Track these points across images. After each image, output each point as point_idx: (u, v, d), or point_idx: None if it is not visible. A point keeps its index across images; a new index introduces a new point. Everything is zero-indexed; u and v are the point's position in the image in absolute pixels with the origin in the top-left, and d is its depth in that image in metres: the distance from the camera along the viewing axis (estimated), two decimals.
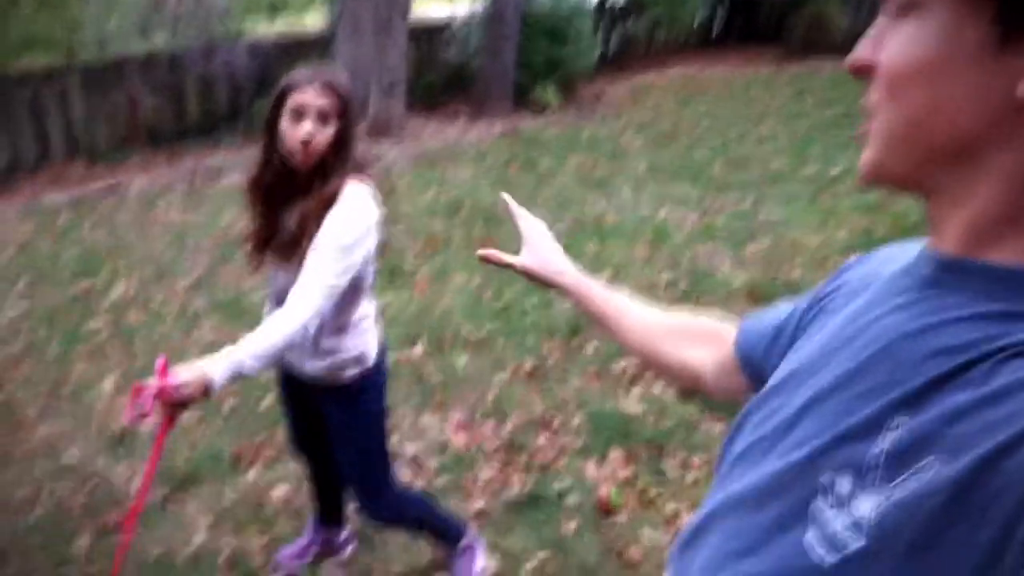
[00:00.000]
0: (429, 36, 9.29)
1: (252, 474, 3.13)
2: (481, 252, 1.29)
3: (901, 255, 0.72)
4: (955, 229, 0.62)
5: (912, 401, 0.58)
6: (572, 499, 2.95)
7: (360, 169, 2.02)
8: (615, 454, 3.17)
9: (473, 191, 6.49)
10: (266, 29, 9.09)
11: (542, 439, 3.31)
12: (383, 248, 2.11)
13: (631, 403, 3.51)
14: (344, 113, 1.97)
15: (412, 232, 5.68)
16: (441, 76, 9.14)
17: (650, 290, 4.67)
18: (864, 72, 0.64)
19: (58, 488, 3.12)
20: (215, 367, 1.71)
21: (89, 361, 4.01)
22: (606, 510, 2.88)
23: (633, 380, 3.67)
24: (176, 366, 1.68)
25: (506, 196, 1.37)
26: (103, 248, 5.58)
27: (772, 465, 0.68)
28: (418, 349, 4.07)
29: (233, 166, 7.27)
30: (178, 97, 8.19)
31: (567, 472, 3.10)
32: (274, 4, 9.35)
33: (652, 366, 1.17)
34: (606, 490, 2.97)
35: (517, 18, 8.63)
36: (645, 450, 3.18)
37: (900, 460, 0.56)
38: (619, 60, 10.90)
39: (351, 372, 2.18)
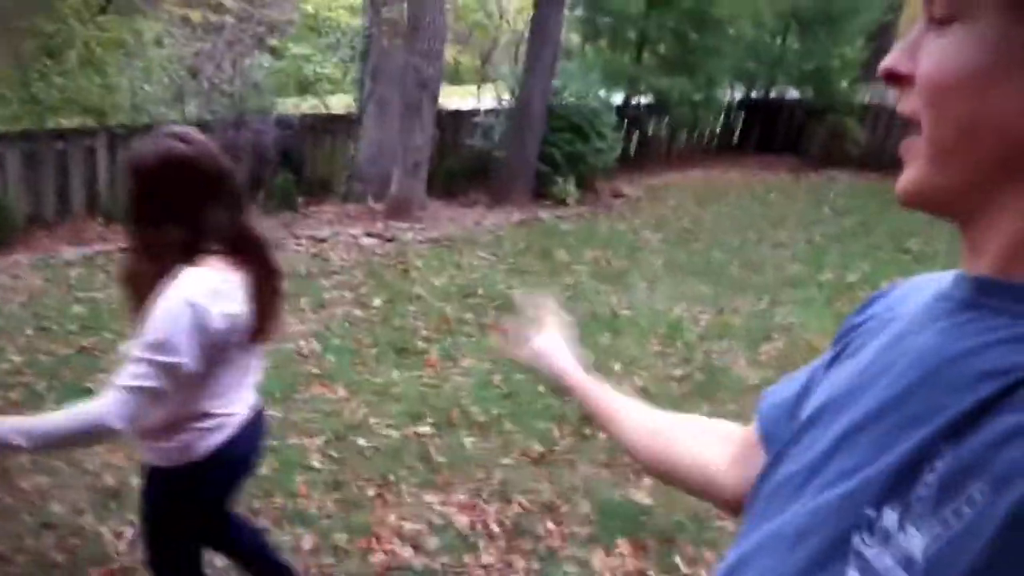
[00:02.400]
0: (454, 123, 9.46)
1: None
2: (495, 333, 1.26)
3: (933, 283, 0.70)
4: (994, 250, 0.59)
5: (957, 428, 0.54)
6: None
7: (195, 250, 1.79)
8: (623, 545, 3.04)
9: (488, 277, 6.49)
10: (296, 106, 9.28)
11: (548, 525, 3.19)
12: (227, 340, 1.81)
13: (641, 494, 3.39)
14: (137, 194, 1.80)
15: (424, 313, 5.65)
16: (463, 163, 9.25)
17: (663, 383, 4.60)
18: (897, 80, 0.62)
19: (41, 542, 3.01)
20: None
21: None
22: None
23: (643, 471, 3.55)
24: None
25: (536, 295, 1.36)
26: (111, 306, 5.55)
27: (809, 501, 0.64)
28: (426, 426, 3.98)
29: None
30: None
31: (573, 560, 2.97)
32: (304, 83, 9.57)
33: (659, 469, 1.10)
34: None
35: (542, 112, 8.80)
36: (655, 542, 3.06)
37: (948, 490, 0.52)
38: (640, 159, 11.05)
39: (172, 459, 1.94)
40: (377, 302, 5.84)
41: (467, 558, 2.97)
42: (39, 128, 7.31)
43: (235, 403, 1.97)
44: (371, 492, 3.39)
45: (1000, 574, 0.48)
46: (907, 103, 0.62)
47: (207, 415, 1.90)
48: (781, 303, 6.08)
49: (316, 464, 3.59)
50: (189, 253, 1.77)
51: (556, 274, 6.77)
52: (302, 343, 5.00)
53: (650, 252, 7.54)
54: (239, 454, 2.03)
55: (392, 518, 3.20)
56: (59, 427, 1.69)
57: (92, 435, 1.72)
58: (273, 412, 4.05)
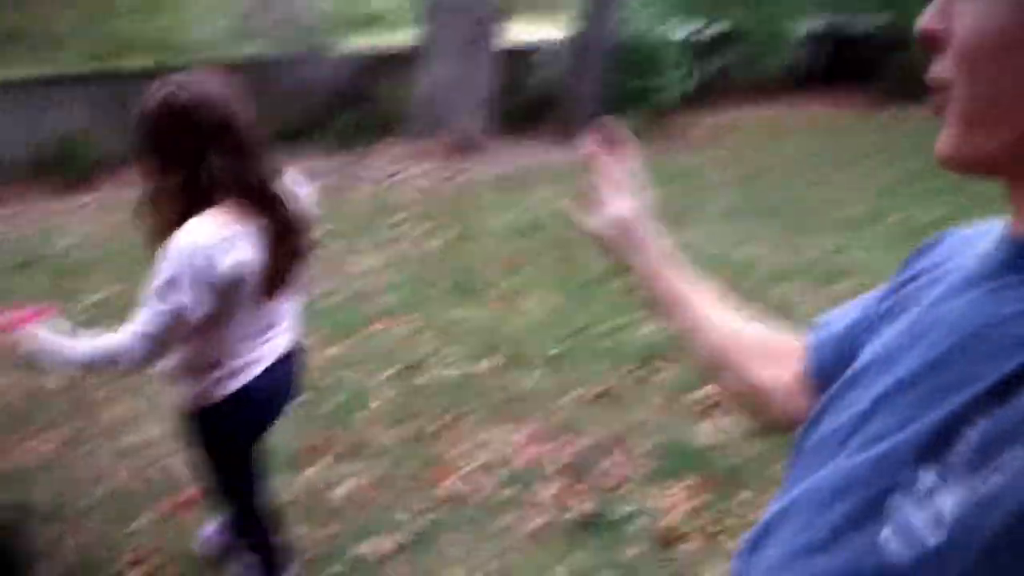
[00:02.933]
0: (517, 59, 9.32)
1: (316, 470, 3.12)
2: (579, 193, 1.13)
3: (978, 238, 0.69)
4: None
5: (998, 392, 0.54)
6: (636, 525, 2.85)
7: (198, 198, 1.81)
8: (683, 483, 3.06)
9: (553, 214, 6.45)
10: (359, 42, 9.25)
11: (609, 462, 3.22)
12: (235, 289, 1.84)
13: (703, 434, 3.40)
14: (141, 141, 1.83)
15: (488, 250, 5.67)
16: (527, 99, 9.14)
17: None
18: (932, 43, 0.61)
19: (121, 470, 3.15)
20: (34, 339, 1.85)
21: None
22: (671, 539, 2.78)
23: (706, 411, 3.55)
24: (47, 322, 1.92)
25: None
26: None
27: (847, 459, 0.64)
28: (489, 363, 4.03)
29: (316, 173, 7.38)
30: (269, 103, 8.33)
31: (633, 497, 3.00)
32: (367, 18, 9.53)
33: (714, 372, 1.07)
34: (672, 519, 2.87)
35: (606, 46, 8.63)
36: (715, 482, 3.07)
37: (986, 453, 0.52)
38: (706, 95, 10.75)
39: (196, 401, 2.05)
40: (441, 239, 5.88)
41: (530, 492, 3.02)
42: (108, 69, 7.44)
43: (258, 350, 2.02)
44: (435, 427, 3.46)
45: None
46: (939, 67, 0.60)
47: (227, 361, 1.97)
48: (849, 244, 5.94)
49: (382, 399, 3.67)
50: (193, 201, 1.80)
51: None
52: (368, 280, 5.08)
53: (715, 191, 7.41)
54: (263, 399, 2.09)
55: (456, 452, 3.27)
56: (86, 354, 1.85)
57: (108, 366, 1.86)
58: (339, 348, 4.16)
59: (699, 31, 10.69)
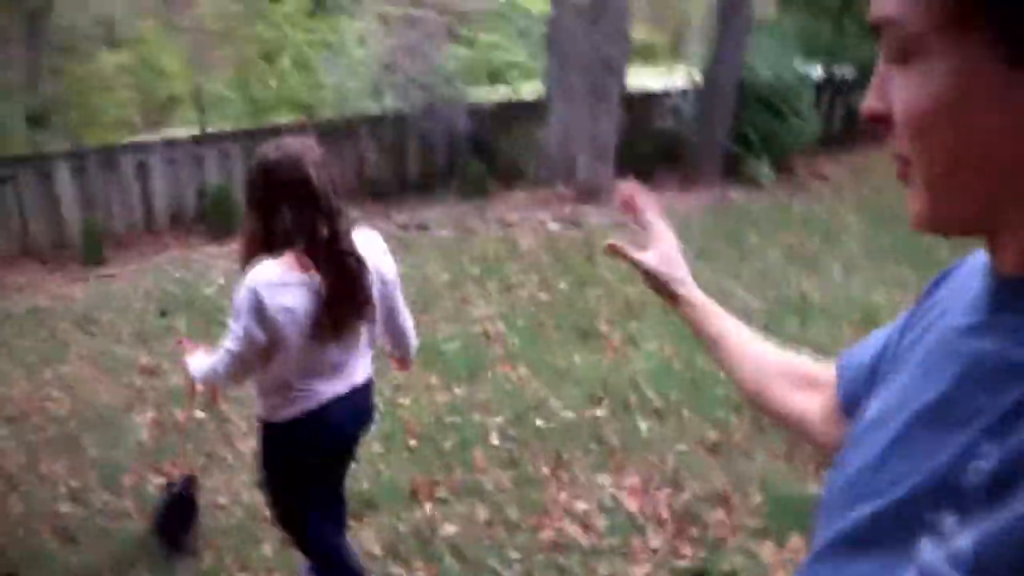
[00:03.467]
0: (643, 104, 9.38)
1: (426, 509, 3.22)
2: (609, 243, 1.24)
3: (978, 272, 0.68)
4: (1017, 250, 0.60)
5: (999, 427, 0.55)
6: None
7: (268, 243, 2.07)
8: (795, 539, 2.98)
9: None
10: (488, 93, 9.56)
11: (718, 514, 3.17)
12: (283, 326, 2.04)
13: (819, 488, 3.28)
14: (245, 190, 2.14)
15: (608, 296, 5.71)
16: (652, 145, 9.16)
17: None
18: (878, 123, 0.63)
19: (254, 498, 3.34)
20: (189, 360, 2.32)
21: None
22: None
23: (821, 465, 3.45)
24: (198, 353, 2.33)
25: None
26: None
27: (869, 506, 0.65)
28: (603, 408, 4.05)
29: (444, 221, 7.65)
30: (400, 155, 8.76)
31: (741, 551, 2.95)
32: (497, 70, 9.83)
33: (758, 404, 1.12)
34: (781, 575, 2.80)
35: (734, 89, 8.56)
36: None
37: (997, 488, 0.53)
38: (842, 136, 10.48)
39: (265, 417, 2.30)
40: (562, 285, 5.96)
41: (634, 541, 3.02)
42: (258, 126, 8.03)
43: (320, 382, 2.23)
44: (545, 470, 3.51)
45: None
46: (894, 143, 0.63)
47: (289, 387, 2.21)
48: None
49: (495, 441, 3.76)
50: (268, 246, 2.06)
51: (746, 258, 6.61)
52: (489, 324, 5.20)
53: (849, 235, 7.19)
54: (323, 426, 2.29)
55: (563, 497, 3.31)
56: (200, 368, 2.25)
57: (211, 378, 2.23)
58: (461, 390, 4.28)
59: (829, 72, 10.44)
